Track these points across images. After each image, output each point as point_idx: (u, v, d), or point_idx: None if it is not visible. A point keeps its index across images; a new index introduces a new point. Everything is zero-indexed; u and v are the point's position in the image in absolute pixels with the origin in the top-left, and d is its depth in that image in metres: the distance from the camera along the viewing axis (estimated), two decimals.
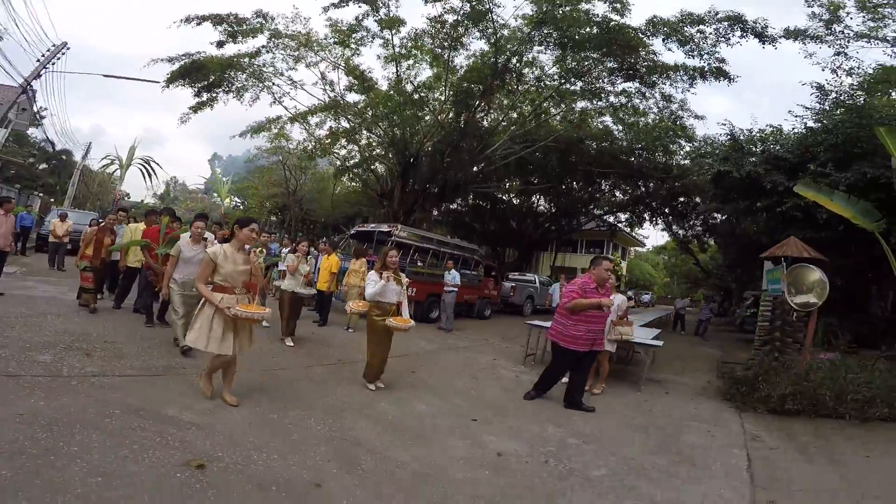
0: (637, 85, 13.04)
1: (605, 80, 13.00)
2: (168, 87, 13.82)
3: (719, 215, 12.14)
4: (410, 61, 13.77)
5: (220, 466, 2.39)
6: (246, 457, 2.55)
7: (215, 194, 39.96)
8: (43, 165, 27.98)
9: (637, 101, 13.65)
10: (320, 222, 29.85)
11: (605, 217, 23.59)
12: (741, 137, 9.12)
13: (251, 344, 3.47)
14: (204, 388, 3.37)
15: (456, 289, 9.29)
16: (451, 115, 13.82)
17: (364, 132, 15.93)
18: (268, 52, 13.66)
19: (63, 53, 12.04)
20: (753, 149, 8.66)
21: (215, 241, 5.59)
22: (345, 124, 15.69)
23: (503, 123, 15.36)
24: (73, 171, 26.59)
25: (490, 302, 12.72)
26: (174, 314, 4.50)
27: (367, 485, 2.48)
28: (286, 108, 15.68)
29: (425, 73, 14.46)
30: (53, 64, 11.94)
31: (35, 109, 14.43)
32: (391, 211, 15.20)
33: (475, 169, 16.22)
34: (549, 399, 4.73)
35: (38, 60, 11.55)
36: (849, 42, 9.22)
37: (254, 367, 4.28)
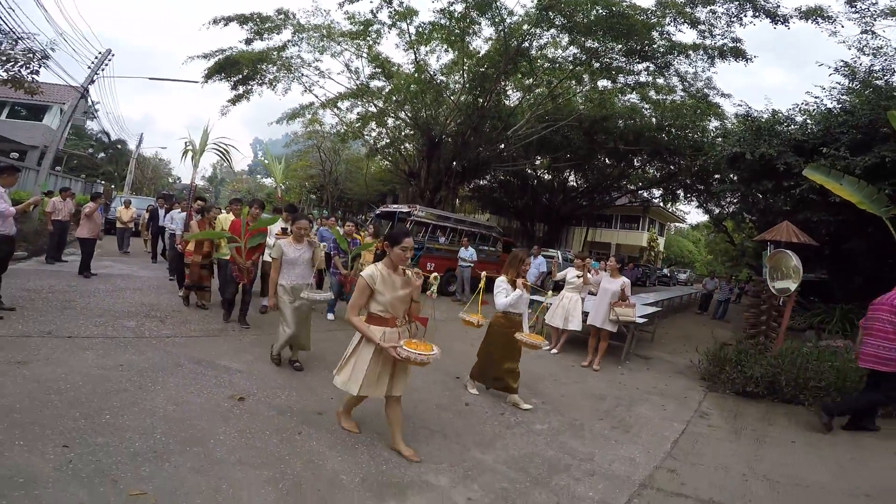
0: (651, 66, 13.00)
1: (621, 60, 13.02)
2: (207, 82, 15.07)
3: (732, 195, 12.04)
4: (428, 47, 14.23)
5: (255, 399, 3.37)
6: (272, 393, 3.53)
7: (258, 176, 42.45)
8: (101, 155, 30.89)
9: (660, 79, 13.61)
10: (356, 200, 31.31)
11: (638, 193, 23.44)
12: (763, 118, 8.93)
13: (405, 384, 2.96)
14: (347, 426, 3.09)
15: (471, 264, 10.13)
16: (470, 97, 14.34)
17: (391, 115, 16.69)
18: (293, 45, 14.55)
19: (109, 60, 13.26)
20: (778, 128, 8.46)
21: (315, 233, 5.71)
22: (372, 109, 16.53)
23: (523, 104, 15.62)
24: (128, 158, 29.25)
25: None
26: (284, 326, 3.99)
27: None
28: (316, 96, 16.77)
29: (445, 56, 14.92)
30: (102, 70, 13.16)
31: (89, 104, 16.14)
32: (418, 189, 16.14)
33: (499, 148, 16.73)
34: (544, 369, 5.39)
35: (89, 67, 12.82)
36: (875, 19, 8.80)
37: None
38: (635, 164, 19.86)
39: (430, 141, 15.56)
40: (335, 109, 17.31)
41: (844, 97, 8.40)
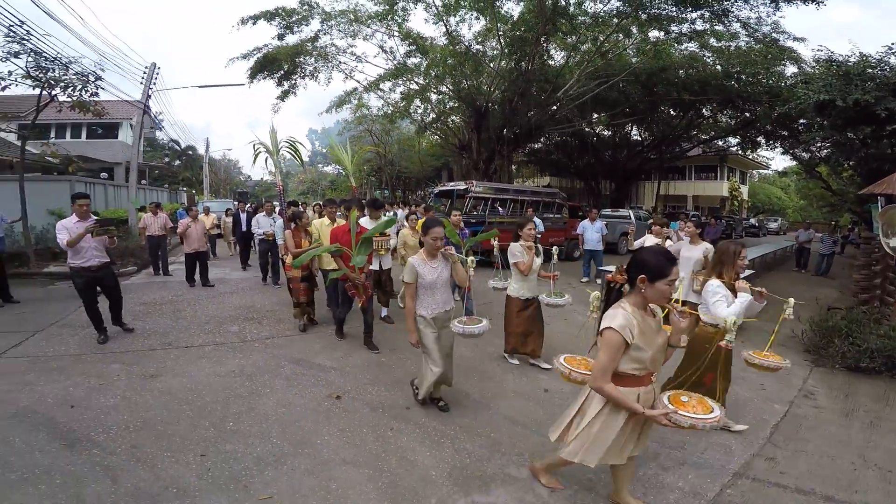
0: (706, 13, 11.94)
1: (671, 10, 12.03)
2: (252, 82, 15.65)
3: (823, 141, 10.91)
4: (457, 17, 13.85)
5: (350, 396, 3.72)
6: (364, 390, 3.86)
7: (319, 165, 44.48)
8: (177, 162, 33.62)
9: (718, 27, 12.53)
10: (413, 178, 31.85)
11: (713, 142, 21.74)
12: (850, 63, 8.17)
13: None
14: (546, 482, 2.65)
15: (539, 235, 10.02)
16: (511, 63, 13.90)
17: (433, 90, 16.66)
18: (324, 34, 14.74)
19: (157, 73, 14.10)
20: (871, 72, 7.72)
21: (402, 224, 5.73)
22: (414, 86, 16.59)
23: (570, 63, 14.89)
24: (201, 163, 31.59)
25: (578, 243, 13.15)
26: (431, 365, 3.29)
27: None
28: (358, 82, 17.18)
29: (476, 24, 14.54)
30: (154, 83, 14.01)
31: (153, 116, 17.58)
32: (471, 161, 16.19)
33: (551, 110, 16.11)
34: None
35: (141, 82, 13.70)
36: None
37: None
38: (704, 113, 18.43)
39: (476, 111, 15.47)
40: (378, 91, 17.53)
41: None
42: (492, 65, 14.77)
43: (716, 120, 19.01)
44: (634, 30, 13.33)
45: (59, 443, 2.86)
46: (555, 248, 4.88)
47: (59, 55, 8.69)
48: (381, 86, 17.14)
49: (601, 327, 2.01)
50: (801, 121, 12.66)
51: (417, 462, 2.85)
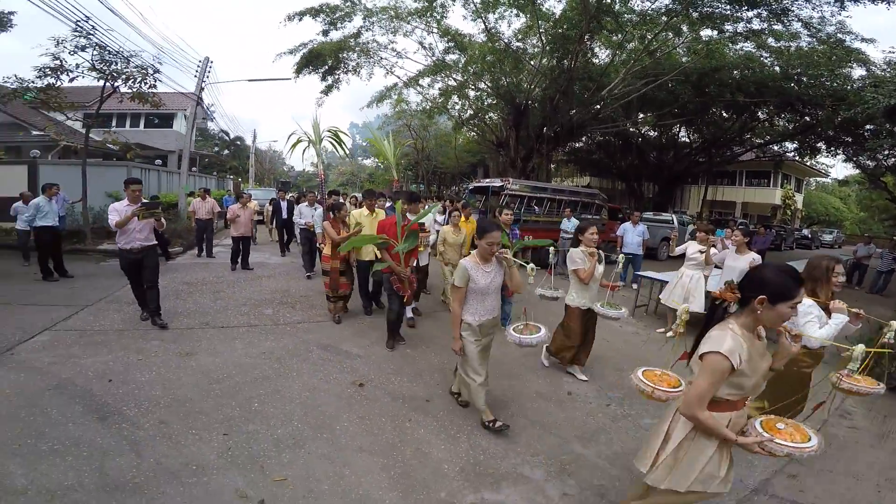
0: (764, 12, 11.26)
1: (724, 8, 11.40)
2: (298, 76, 16.14)
3: (891, 149, 10.08)
4: (496, 14, 13.69)
5: (372, 385, 3.80)
6: (387, 379, 3.94)
7: (359, 158, 45.49)
8: (225, 152, 35.43)
9: (777, 26, 11.80)
10: (448, 174, 32.03)
11: (767, 147, 20.49)
12: None
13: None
14: None
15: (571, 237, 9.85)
16: (552, 61, 13.65)
17: (471, 87, 16.62)
18: (366, 30, 15.00)
19: (210, 67, 14.61)
20: None
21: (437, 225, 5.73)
22: (452, 82, 16.63)
23: (615, 62, 14.42)
24: (248, 153, 33.07)
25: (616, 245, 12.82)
26: (471, 373, 3.14)
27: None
28: (398, 77, 17.37)
29: (516, 21, 14.34)
30: (207, 76, 14.52)
31: (205, 108, 18.30)
32: (508, 159, 16.08)
33: (594, 109, 15.72)
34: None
35: (195, 75, 14.24)
36: None
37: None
38: (760, 116, 17.38)
39: (515, 109, 15.34)
40: (418, 87, 17.66)
41: None
42: (532, 62, 14.57)
43: (772, 123, 17.93)
44: (685, 28, 12.74)
45: (92, 415, 3.03)
46: (621, 255, 4.84)
47: (121, 49, 9.30)
48: (421, 81, 17.31)
49: (704, 350, 1.77)
50: (868, 126, 11.86)
51: (432, 455, 2.88)
